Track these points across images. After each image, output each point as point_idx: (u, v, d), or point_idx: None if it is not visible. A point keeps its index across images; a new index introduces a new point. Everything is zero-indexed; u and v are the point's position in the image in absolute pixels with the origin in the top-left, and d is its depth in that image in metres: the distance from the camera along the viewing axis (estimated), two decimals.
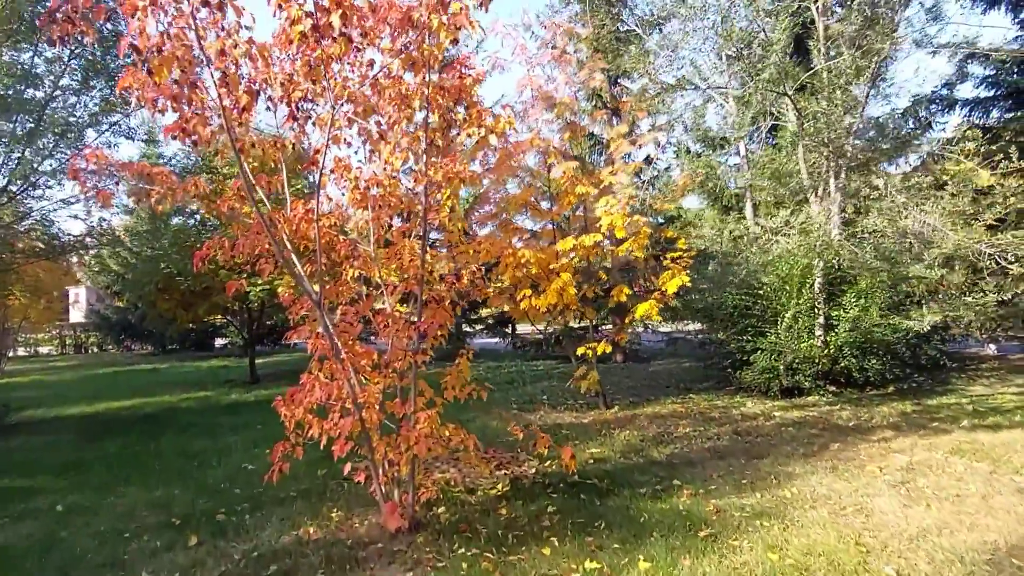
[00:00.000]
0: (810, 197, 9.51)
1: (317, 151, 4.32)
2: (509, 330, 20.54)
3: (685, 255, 8.79)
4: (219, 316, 17.06)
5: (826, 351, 9.33)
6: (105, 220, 10.74)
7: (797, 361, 9.37)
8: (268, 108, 4.10)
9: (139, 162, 4.77)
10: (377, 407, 4.61)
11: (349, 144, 4.83)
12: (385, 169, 4.56)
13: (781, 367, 9.38)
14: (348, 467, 4.70)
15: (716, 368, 10.90)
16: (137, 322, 23.48)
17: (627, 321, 9.35)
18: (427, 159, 4.36)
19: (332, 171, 4.76)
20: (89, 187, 4.58)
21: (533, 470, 6.09)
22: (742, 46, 8.64)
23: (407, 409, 4.66)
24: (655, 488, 5.42)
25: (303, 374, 4.57)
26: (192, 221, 14.33)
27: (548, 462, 6.29)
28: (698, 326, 16.97)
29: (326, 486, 5.76)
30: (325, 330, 4.13)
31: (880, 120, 10.27)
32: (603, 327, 16.83)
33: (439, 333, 4.57)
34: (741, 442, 6.90)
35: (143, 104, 3.88)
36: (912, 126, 12.54)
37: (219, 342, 27.59)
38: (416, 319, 4.64)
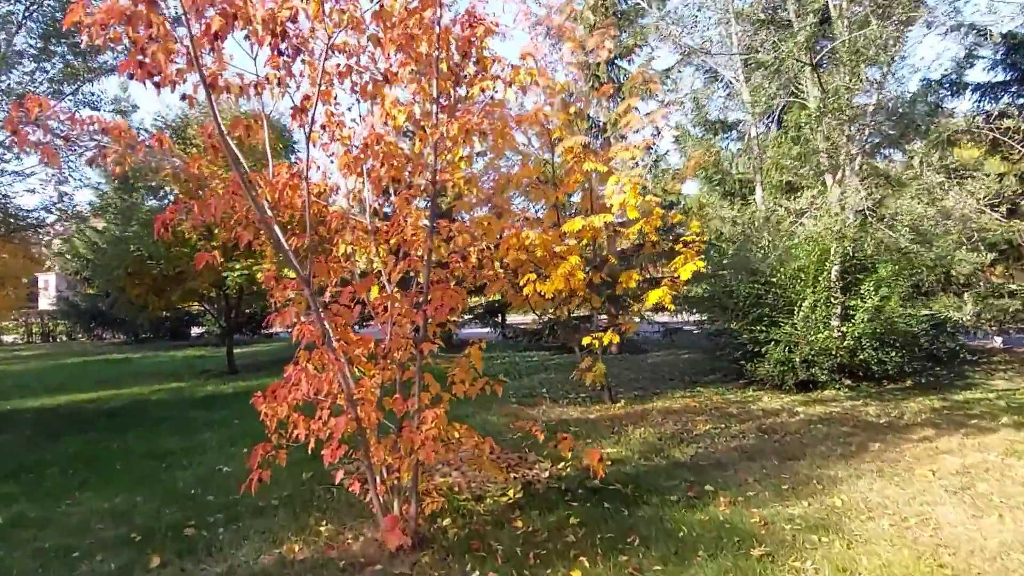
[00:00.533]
0: (828, 179, 8.94)
1: (306, 98, 3.59)
2: (499, 319, 19.86)
3: (698, 239, 8.18)
4: (194, 303, 16.18)
5: (843, 343, 8.80)
6: (67, 195, 9.84)
7: (813, 353, 8.83)
8: (248, 49, 3.37)
9: (93, 115, 4.04)
10: (375, 404, 3.93)
11: (339, 106, 4.14)
12: (386, 124, 3.85)
13: (797, 359, 8.84)
14: (340, 474, 4.02)
15: (726, 360, 10.34)
16: (108, 309, 22.41)
17: (636, 309, 8.74)
18: (439, 108, 3.67)
19: (323, 127, 4.05)
20: (31, 142, 3.84)
21: (546, 473, 5.45)
22: (771, 9, 8.02)
23: (410, 407, 3.98)
24: (687, 495, 4.81)
25: (287, 365, 3.87)
26: (167, 202, 13.42)
27: (561, 464, 5.65)
28: (695, 316, 16.43)
29: (312, 492, 5.06)
30: (315, 314, 3.43)
31: (891, 103, 9.71)
32: (599, 316, 16.25)
33: (450, 319, 3.88)
34: (769, 441, 6.32)
35: (94, 39, 3.14)
36: (921, 110, 12.05)
37: (195, 331, 26.52)
38: (421, 302, 3.96)
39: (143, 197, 14.48)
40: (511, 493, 4.89)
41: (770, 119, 10.58)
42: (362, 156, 3.84)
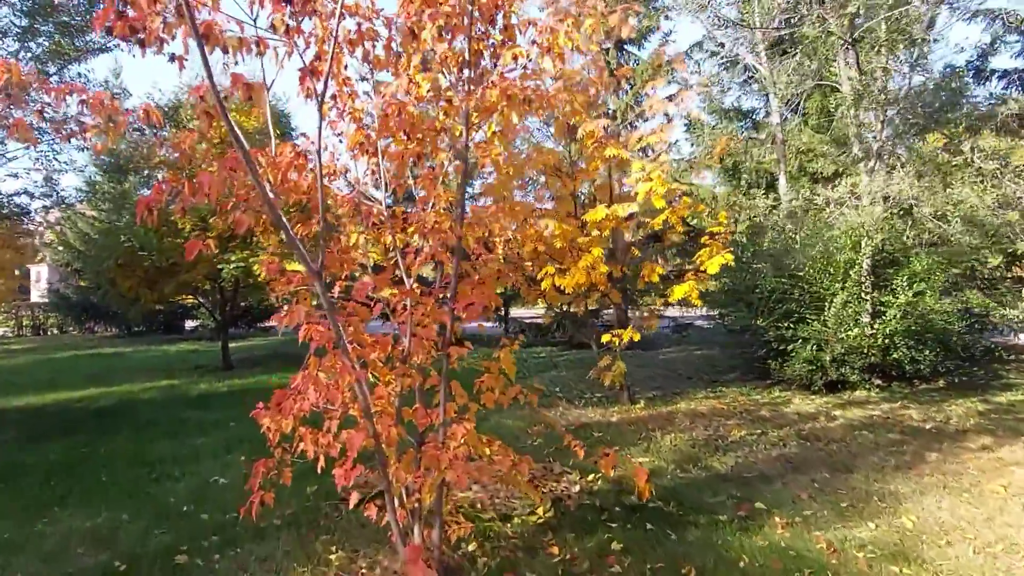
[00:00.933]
0: (861, 167, 8.43)
1: (319, 57, 3.06)
2: (503, 313, 19.34)
3: (725, 230, 7.67)
4: (188, 296, 15.61)
5: (876, 341, 8.31)
6: (52, 179, 9.26)
7: (844, 352, 8.34)
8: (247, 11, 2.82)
9: (70, 83, 3.54)
10: (394, 417, 3.42)
11: (348, 81, 3.60)
12: (408, 94, 3.32)
13: (827, 358, 8.35)
14: (355, 497, 3.51)
15: (746, 358, 9.84)
16: (100, 302, 21.78)
17: (647, 304, 8.23)
18: (471, 71, 3.14)
19: (333, 97, 3.51)
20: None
21: (576, 487, 4.95)
22: None
23: (434, 419, 3.47)
24: (737, 514, 4.32)
25: (295, 376, 3.35)
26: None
27: (591, 476, 5.15)
28: (704, 311, 15.89)
29: (319, 510, 4.55)
30: (328, 313, 2.90)
31: (923, 87, 9.18)
32: (604, 312, 15.75)
33: (483, 316, 3.36)
34: (813, 449, 5.83)
35: None
36: (945, 98, 11.53)
37: (189, 324, 25.90)
38: (448, 298, 3.45)
39: (135, 186, 13.90)
40: (541, 511, 4.39)
41: (792, 106, 10.02)
42: (376, 133, 3.30)
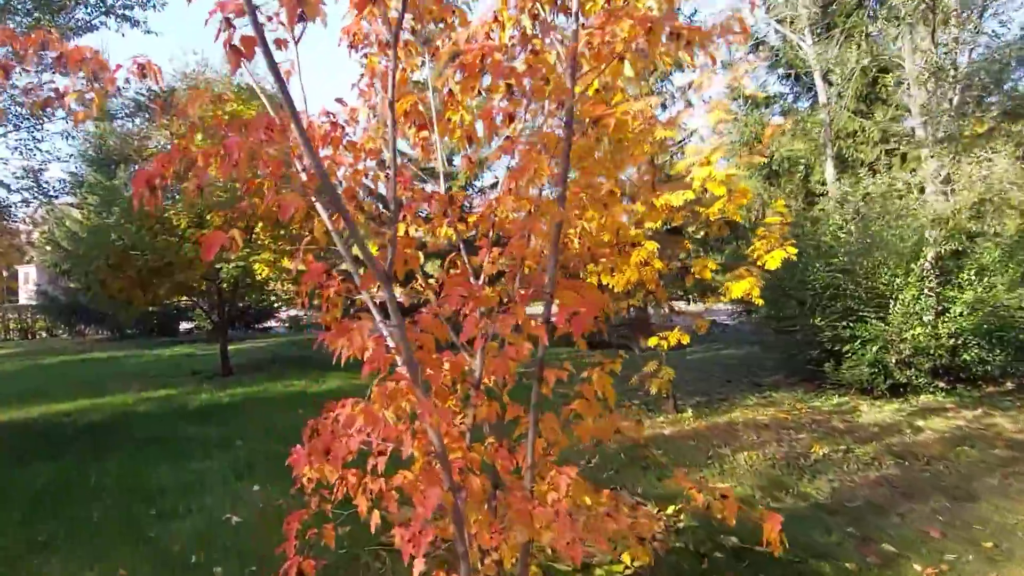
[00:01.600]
0: (923, 152, 7.69)
1: None
2: None
3: (782, 221, 6.92)
4: (184, 298, 14.76)
5: (946, 341, 7.59)
6: (33, 169, 8.40)
7: (912, 353, 7.62)
8: None
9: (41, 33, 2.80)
10: (477, 463, 2.64)
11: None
12: (489, 37, 2.54)
13: (893, 360, 7.62)
14: (420, 565, 2.73)
15: (794, 359, 9.10)
16: (90, 304, 20.84)
17: (708, 302, 7.50)
18: (578, 5, 2.37)
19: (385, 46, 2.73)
20: None
21: (659, 523, 4.18)
22: None
23: (519, 461, 2.70)
24: (865, 560, 3.57)
25: (332, 403, 2.59)
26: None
27: (670, 506, 4.39)
28: (726, 307, 15.13)
29: (357, 559, 3.77)
30: (398, 329, 2.12)
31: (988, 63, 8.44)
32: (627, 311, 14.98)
33: (589, 329, 2.58)
34: (914, 470, 5.09)
35: None
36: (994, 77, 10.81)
37: (184, 326, 24.94)
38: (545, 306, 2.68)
39: (125, 181, 13.02)
40: (627, 559, 3.62)
41: (839, 89, 9.24)
42: (460, 87, 2.52)
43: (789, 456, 5.53)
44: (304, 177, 2.09)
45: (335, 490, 2.69)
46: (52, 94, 3.09)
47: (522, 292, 2.67)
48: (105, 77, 2.77)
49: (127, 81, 2.85)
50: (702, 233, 9.06)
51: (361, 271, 2.58)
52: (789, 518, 4.24)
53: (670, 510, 4.39)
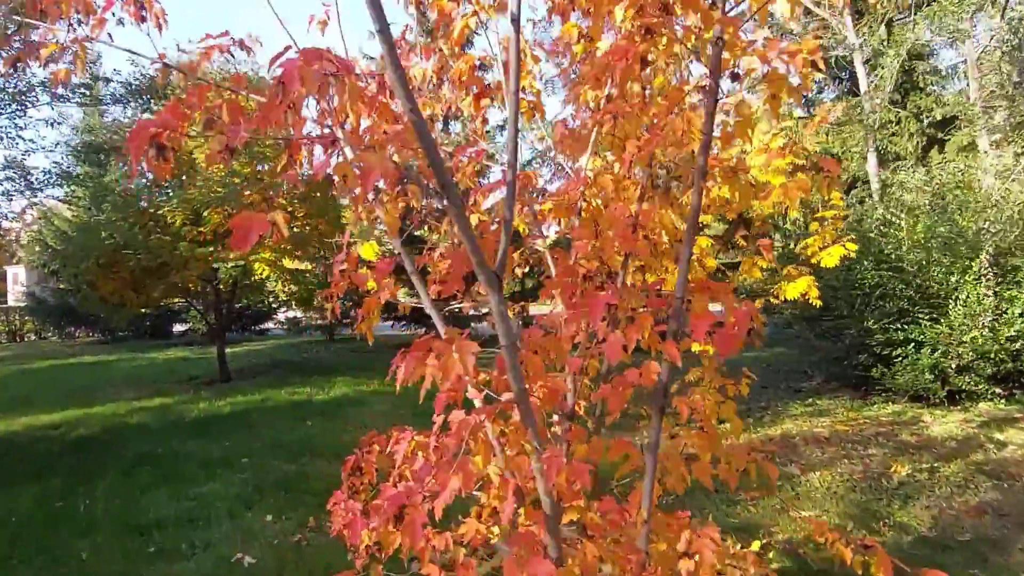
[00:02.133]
0: (983, 140, 7.13)
1: None
2: (522, 311, 17.93)
3: (836, 215, 6.34)
4: (178, 299, 14.07)
5: (1011, 344, 7.03)
6: (14, 160, 7.73)
7: (972, 358, 7.05)
8: None
9: None
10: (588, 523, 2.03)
11: None
12: None
13: (952, 366, 7.05)
14: None
15: (838, 362, 8.51)
16: (80, 306, 20.08)
17: (757, 303, 6.87)
18: None
19: None
20: None
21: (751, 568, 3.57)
22: None
23: (634, 516, 2.10)
24: None
25: (392, 432, 2.00)
26: (143, 180, 11.23)
27: (755, 543, 3.78)
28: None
29: None
30: (508, 353, 1.50)
31: None
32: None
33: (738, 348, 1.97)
34: (1018, 494, 4.50)
35: None
36: None
37: (178, 328, 24.14)
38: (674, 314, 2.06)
39: (119, 177, 12.36)
40: None
41: (889, 75, 8.65)
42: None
43: (868, 477, 4.93)
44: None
45: (385, 548, 2.09)
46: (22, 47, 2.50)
47: (646, 296, 2.04)
48: (93, 22, 2.17)
49: (120, 22, 2.24)
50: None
51: (443, 265, 1.97)
52: (895, 555, 3.63)
53: (755, 546, 3.79)
